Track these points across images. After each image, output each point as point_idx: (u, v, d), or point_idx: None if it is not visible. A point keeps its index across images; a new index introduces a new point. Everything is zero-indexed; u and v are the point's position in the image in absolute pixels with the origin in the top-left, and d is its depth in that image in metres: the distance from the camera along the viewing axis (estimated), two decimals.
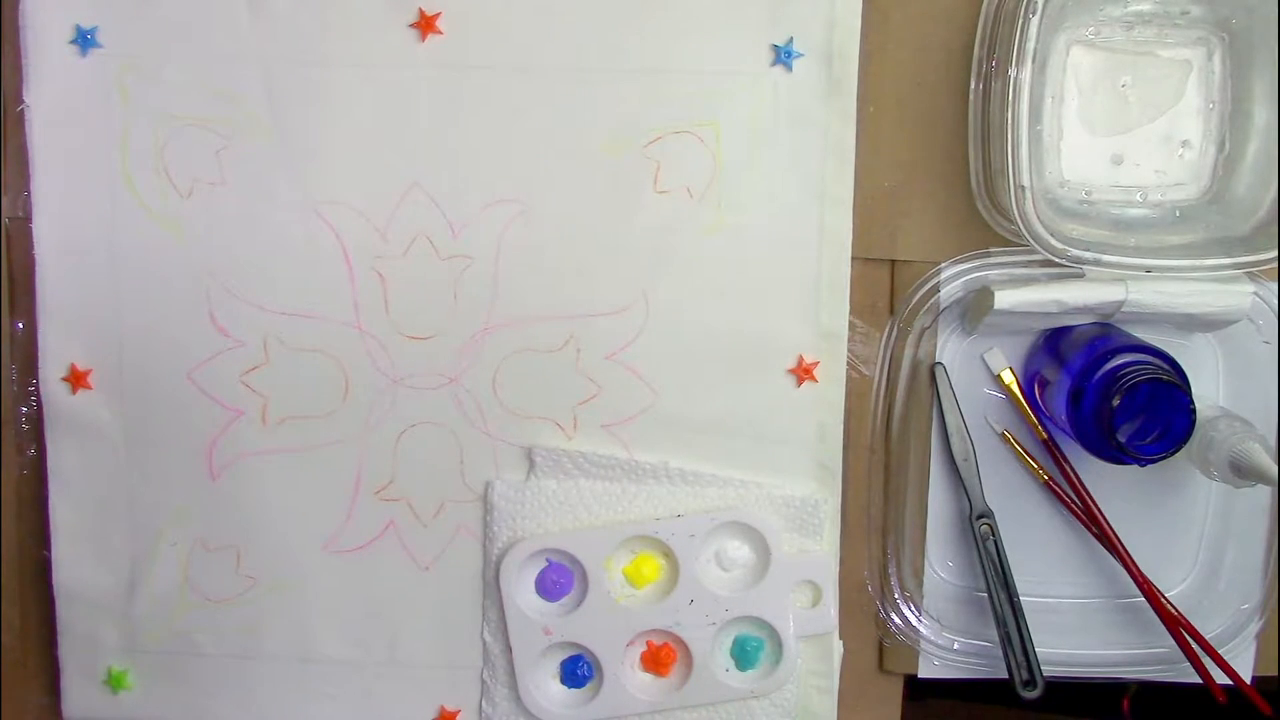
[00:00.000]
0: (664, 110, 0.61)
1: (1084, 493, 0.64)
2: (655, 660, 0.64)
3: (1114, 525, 0.64)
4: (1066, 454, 0.64)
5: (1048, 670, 0.64)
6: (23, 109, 0.61)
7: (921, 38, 0.61)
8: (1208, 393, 0.64)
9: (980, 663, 0.66)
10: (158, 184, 0.62)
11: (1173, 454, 0.59)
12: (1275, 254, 0.59)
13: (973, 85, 0.61)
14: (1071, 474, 0.65)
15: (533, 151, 0.61)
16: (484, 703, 0.65)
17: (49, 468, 0.64)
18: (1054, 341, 0.63)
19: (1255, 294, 0.61)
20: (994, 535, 0.64)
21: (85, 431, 0.63)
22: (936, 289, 0.62)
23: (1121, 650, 0.66)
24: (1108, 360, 0.58)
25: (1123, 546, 0.64)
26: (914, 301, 0.63)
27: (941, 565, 0.66)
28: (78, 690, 0.66)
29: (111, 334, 0.63)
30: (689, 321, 0.62)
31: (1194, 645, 0.64)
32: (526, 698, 0.64)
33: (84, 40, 0.60)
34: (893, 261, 0.63)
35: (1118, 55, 0.61)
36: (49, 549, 0.64)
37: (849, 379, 0.63)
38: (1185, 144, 0.62)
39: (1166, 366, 0.59)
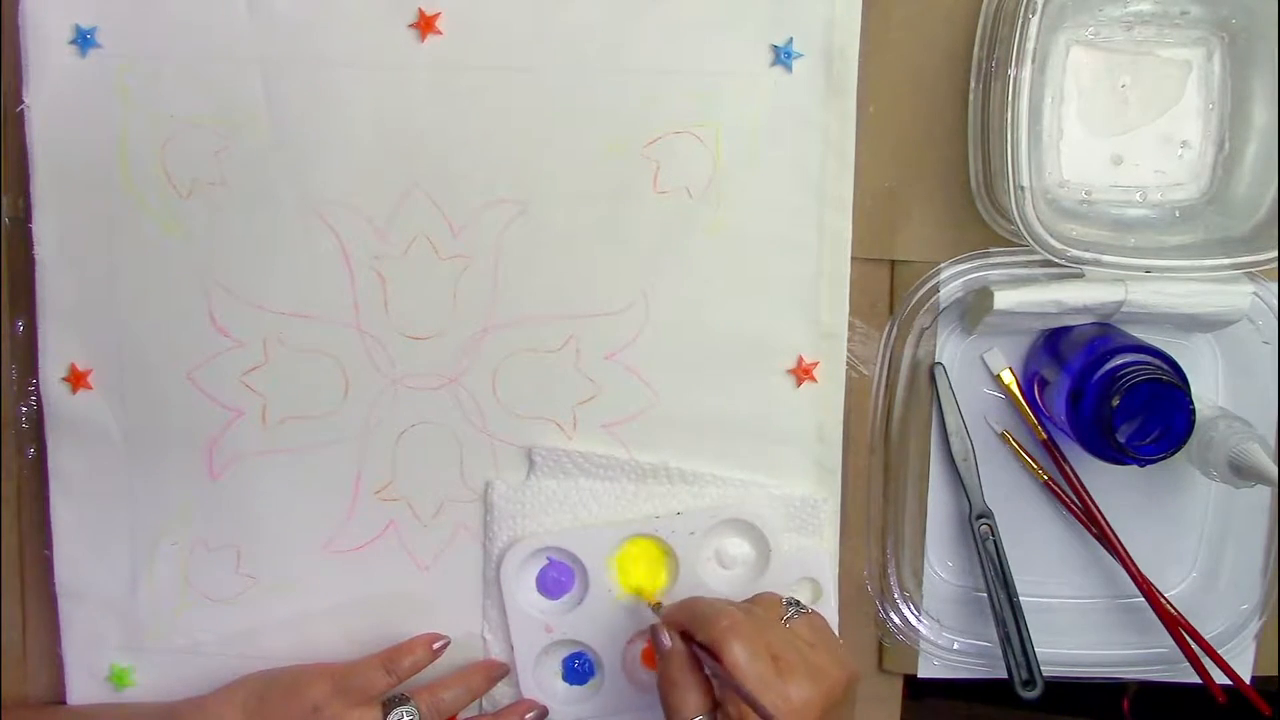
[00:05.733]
0: (664, 110, 0.61)
1: (1083, 493, 0.64)
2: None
3: (1114, 525, 0.64)
4: (1066, 454, 0.64)
5: (1047, 670, 0.64)
6: (23, 109, 0.61)
7: (921, 38, 0.61)
8: (1207, 393, 0.64)
9: (980, 662, 0.66)
10: (158, 184, 0.62)
11: (1172, 454, 0.59)
12: (1275, 254, 0.58)
13: (973, 85, 0.61)
14: (1071, 474, 0.65)
15: (533, 151, 0.61)
16: (484, 701, 0.65)
17: (49, 468, 0.64)
18: (1054, 342, 0.63)
19: (1255, 294, 0.61)
20: (993, 535, 0.64)
21: (85, 431, 0.63)
22: (936, 289, 0.62)
23: (1121, 650, 0.66)
24: (1107, 360, 0.58)
25: (1122, 546, 0.64)
26: (914, 301, 0.63)
27: (941, 565, 0.66)
28: (82, 687, 0.66)
29: (111, 334, 0.63)
30: (689, 321, 0.62)
31: (1193, 645, 0.64)
32: (529, 695, 0.64)
33: (84, 40, 0.60)
34: (892, 261, 0.63)
35: (1118, 55, 0.61)
36: (50, 548, 0.64)
37: (849, 379, 0.63)
38: (1185, 144, 0.62)
39: (1166, 366, 0.59)
